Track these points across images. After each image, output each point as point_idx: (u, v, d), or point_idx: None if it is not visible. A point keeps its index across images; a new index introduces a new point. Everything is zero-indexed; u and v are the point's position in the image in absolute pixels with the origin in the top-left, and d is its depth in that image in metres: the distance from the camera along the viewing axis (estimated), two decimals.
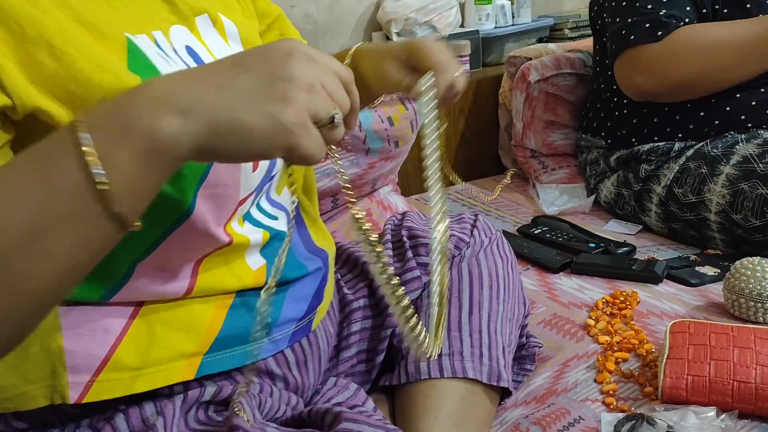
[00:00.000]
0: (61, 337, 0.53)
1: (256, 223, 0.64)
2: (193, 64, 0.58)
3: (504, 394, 0.84)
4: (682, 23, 1.27)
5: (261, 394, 0.61)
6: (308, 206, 0.75)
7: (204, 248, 0.57)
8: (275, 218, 0.67)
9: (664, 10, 1.28)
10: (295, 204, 0.69)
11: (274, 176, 0.65)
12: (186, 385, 0.57)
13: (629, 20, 1.31)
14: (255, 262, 0.62)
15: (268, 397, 0.61)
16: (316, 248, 0.72)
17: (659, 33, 1.27)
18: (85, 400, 0.53)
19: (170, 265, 0.56)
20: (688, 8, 1.30)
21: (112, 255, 0.45)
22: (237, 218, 0.60)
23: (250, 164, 0.58)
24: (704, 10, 1.31)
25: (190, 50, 0.59)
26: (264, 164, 0.61)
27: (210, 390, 0.57)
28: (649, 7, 1.29)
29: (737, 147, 1.24)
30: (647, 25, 1.28)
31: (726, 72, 1.27)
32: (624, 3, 1.35)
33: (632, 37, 1.30)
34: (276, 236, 0.65)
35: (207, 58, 0.60)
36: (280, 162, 0.66)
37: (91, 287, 0.53)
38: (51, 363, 0.52)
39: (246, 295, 0.61)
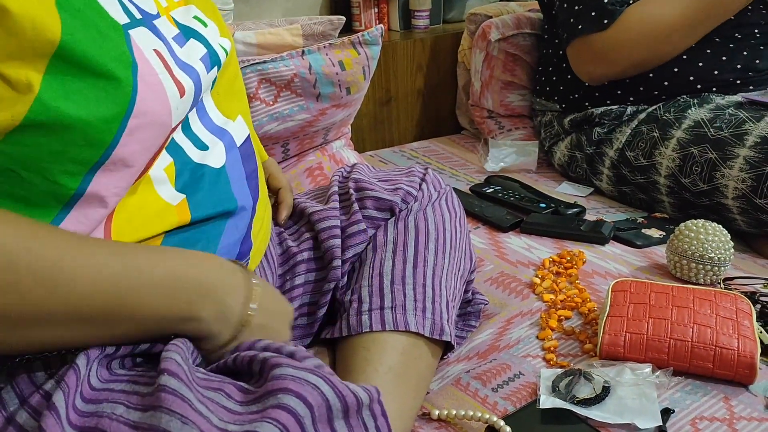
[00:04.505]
0: None
1: (176, 151, 0.60)
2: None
3: (447, 348, 0.83)
4: (626, 5, 1.27)
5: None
6: (255, 143, 0.73)
7: (130, 185, 0.54)
8: (205, 148, 0.63)
9: None
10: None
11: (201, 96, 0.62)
12: None
13: (576, 8, 1.32)
14: (172, 196, 0.58)
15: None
16: (258, 184, 0.69)
17: (605, 21, 1.27)
18: None
19: (104, 211, 0.52)
20: None
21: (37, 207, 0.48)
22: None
23: (176, 89, 0.55)
24: None
25: None
26: (190, 88, 0.57)
27: (142, 346, 0.54)
28: None
29: (689, 111, 1.25)
30: (593, 13, 1.29)
31: (673, 45, 1.28)
32: None
33: (579, 26, 1.31)
34: (196, 169, 0.61)
35: None
36: (211, 75, 0.63)
37: None
38: None
39: (174, 234, 0.58)
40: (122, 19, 0.54)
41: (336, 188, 0.87)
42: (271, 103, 1.14)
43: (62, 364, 0.52)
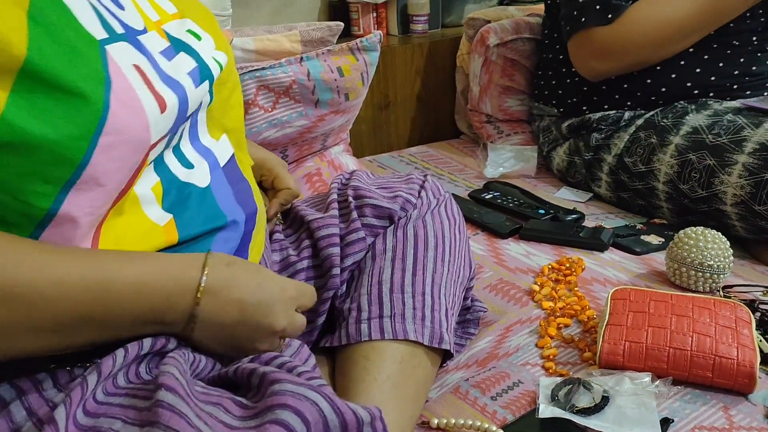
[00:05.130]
0: None
1: (163, 169, 0.59)
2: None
3: (446, 356, 0.83)
4: (631, 1, 1.27)
5: (196, 352, 0.58)
6: (243, 157, 0.72)
7: (109, 205, 0.52)
8: (191, 167, 0.62)
9: None
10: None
11: (189, 117, 0.61)
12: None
13: (580, 0, 1.31)
14: (159, 216, 0.57)
15: (201, 357, 0.59)
16: (249, 200, 0.68)
17: (609, 16, 1.27)
18: None
19: (79, 231, 0.51)
20: None
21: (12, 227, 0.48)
22: (147, 165, 0.56)
23: (156, 104, 0.53)
24: None
25: None
26: (173, 104, 0.55)
27: (147, 342, 0.54)
28: None
29: (687, 117, 1.25)
30: (597, 7, 1.28)
31: (676, 44, 1.28)
32: None
33: (583, 19, 1.30)
34: (182, 188, 0.60)
35: None
36: (204, 97, 0.62)
37: None
38: None
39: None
40: (100, 34, 0.52)
41: (335, 196, 0.87)
42: (270, 109, 1.14)
43: (71, 379, 0.52)
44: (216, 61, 0.65)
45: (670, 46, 1.28)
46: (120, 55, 0.53)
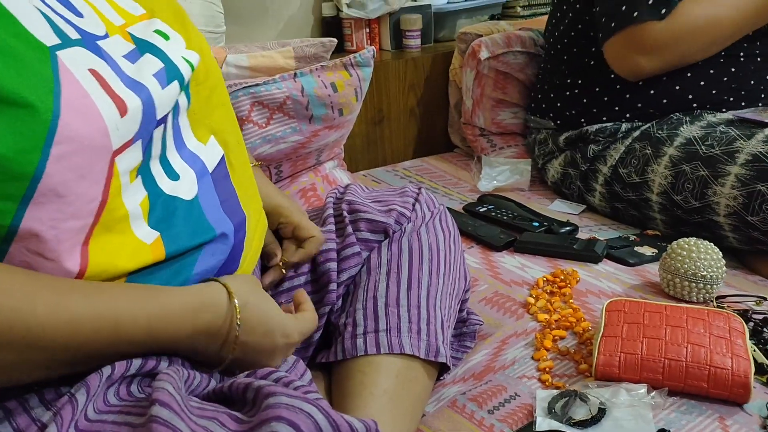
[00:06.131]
0: None
1: (149, 182, 0.58)
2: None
3: (443, 369, 0.83)
4: None
5: (190, 369, 0.58)
6: (234, 160, 0.69)
7: (79, 218, 0.51)
8: (176, 178, 0.60)
9: None
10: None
11: (163, 122, 0.59)
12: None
13: None
14: (146, 234, 0.56)
15: (195, 373, 0.59)
16: (236, 208, 0.67)
17: (663, 11, 1.24)
18: None
19: (47, 246, 0.49)
20: None
21: None
22: (124, 175, 0.54)
23: (115, 108, 0.52)
24: None
25: None
26: (135, 106, 0.53)
27: (136, 363, 0.54)
28: None
29: (681, 129, 1.26)
30: (650, 1, 1.25)
31: (722, 43, 1.28)
32: None
33: (635, 13, 1.25)
34: (168, 202, 0.59)
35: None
36: (180, 99, 0.61)
37: None
38: None
39: (143, 274, 0.57)
40: (51, 40, 0.51)
41: (331, 210, 0.87)
42: (264, 125, 1.14)
43: (58, 396, 0.51)
44: (186, 60, 0.62)
45: (718, 44, 1.28)
46: (73, 60, 0.51)
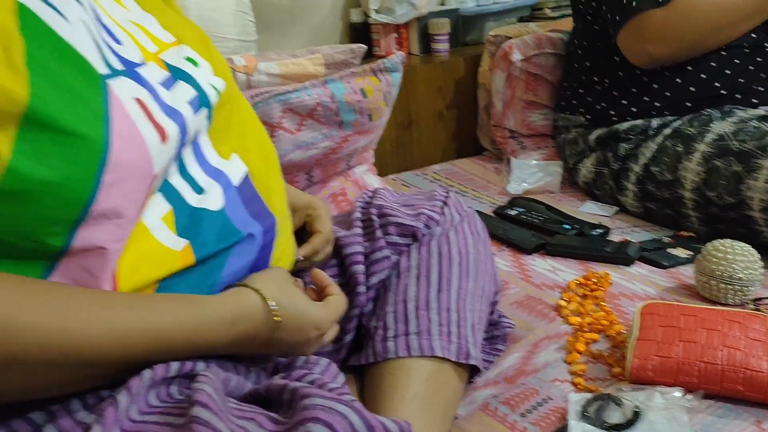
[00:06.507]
0: None
1: (173, 196, 0.59)
2: (92, 22, 0.56)
3: (474, 372, 0.83)
4: None
5: (227, 372, 0.60)
6: (257, 175, 0.71)
7: (123, 238, 0.53)
8: (201, 191, 0.62)
9: None
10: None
11: (187, 143, 0.61)
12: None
13: None
14: (174, 242, 0.57)
15: (233, 375, 0.60)
16: (264, 211, 0.68)
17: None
18: None
19: (100, 262, 0.52)
20: None
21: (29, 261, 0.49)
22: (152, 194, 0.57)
23: (157, 136, 0.54)
24: None
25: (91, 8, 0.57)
26: (174, 133, 0.56)
27: (174, 365, 0.56)
28: None
29: (712, 125, 1.24)
30: None
31: (729, 29, 1.29)
32: None
33: (634, 3, 1.29)
34: (194, 213, 0.60)
35: (105, 19, 0.59)
36: (202, 121, 0.63)
37: None
38: None
39: (174, 279, 0.58)
40: (103, 69, 0.53)
41: (359, 214, 0.88)
42: (295, 131, 1.16)
43: (98, 399, 0.53)
44: (213, 87, 0.65)
45: (727, 28, 1.28)
46: (121, 89, 0.53)
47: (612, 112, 1.42)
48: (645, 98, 1.37)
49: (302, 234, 0.82)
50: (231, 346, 0.58)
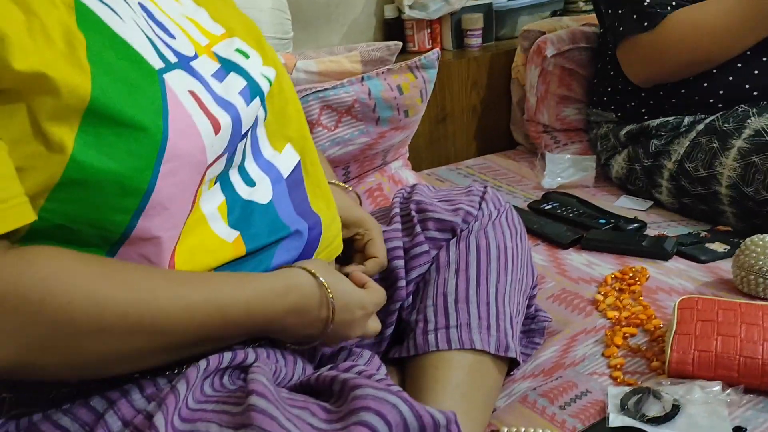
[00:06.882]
0: None
1: (228, 188, 0.62)
2: (143, 20, 0.58)
3: (512, 364, 0.85)
4: (669, 8, 1.28)
5: (276, 363, 0.62)
6: (309, 165, 0.73)
7: (178, 226, 0.56)
8: (252, 184, 0.64)
9: (647, 0, 1.29)
10: None
11: (246, 134, 0.63)
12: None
13: (618, 11, 1.35)
14: (227, 233, 0.60)
15: (281, 366, 0.62)
16: (308, 210, 0.70)
17: (645, 24, 1.29)
18: None
19: (158, 249, 0.54)
20: None
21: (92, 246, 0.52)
22: (205, 184, 0.58)
23: (211, 127, 0.56)
24: None
25: (142, 7, 0.59)
26: (227, 124, 0.58)
27: (227, 356, 0.58)
28: None
29: (749, 121, 1.23)
30: (634, 16, 1.31)
31: (720, 49, 1.28)
32: None
33: (621, 29, 1.34)
34: (245, 206, 0.63)
35: (158, 16, 0.60)
36: (258, 113, 0.65)
37: None
38: None
39: (224, 269, 0.60)
40: (157, 64, 0.55)
41: (398, 209, 0.89)
42: (333, 128, 1.18)
43: (156, 389, 0.56)
44: (265, 77, 0.67)
45: (713, 50, 1.28)
46: (176, 82, 0.55)
47: (643, 110, 1.42)
48: (673, 100, 1.37)
49: (347, 249, 0.80)
50: (285, 319, 0.59)
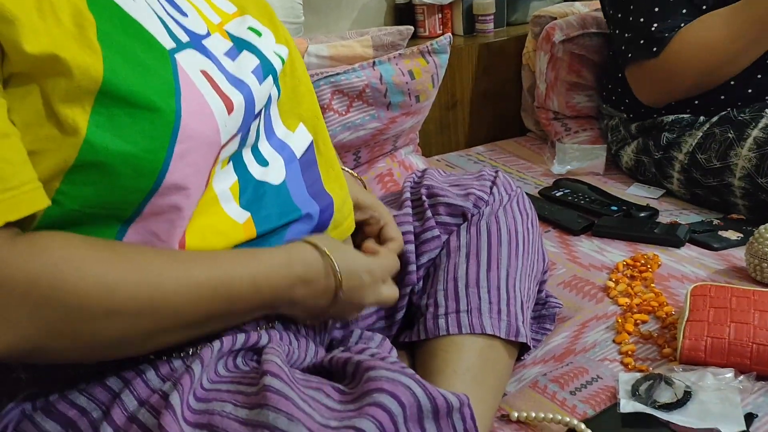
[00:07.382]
0: None
1: (241, 168, 0.62)
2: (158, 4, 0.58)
3: (523, 349, 0.84)
4: (676, 30, 1.26)
5: (289, 345, 0.62)
6: (322, 145, 0.73)
7: (191, 206, 0.55)
8: (265, 164, 0.64)
9: (655, 24, 1.27)
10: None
11: (259, 114, 0.62)
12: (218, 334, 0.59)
13: (626, 35, 1.33)
14: (238, 214, 0.60)
15: (294, 348, 0.62)
16: (321, 191, 0.70)
17: (654, 49, 1.28)
18: None
19: (168, 228, 0.55)
20: (684, 11, 1.27)
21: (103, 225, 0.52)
22: (218, 163, 0.58)
23: (223, 106, 0.56)
24: (704, 6, 1.28)
25: None
26: (240, 103, 0.57)
27: (240, 337, 0.58)
28: (642, 20, 1.29)
29: (766, 111, 1.22)
30: (641, 41, 1.29)
31: (726, 68, 1.26)
32: (619, 15, 1.35)
33: (629, 54, 1.33)
34: (258, 186, 0.62)
35: None
36: (272, 91, 0.65)
37: None
38: None
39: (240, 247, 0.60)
40: (169, 44, 0.55)
41: (408, 194, 0.89)
42: (344, 113, 1.18)
43: (171, 369, 0.56)
44: (277, 55, 0.66)
45: (721, 70, 1.26)
46: (188, 62, 0.55)
47: (654, 115, 1.40)
48: (687, 109, 1.35)
49: (355, 233, 0.80)
50: (293, 291, 0.59)
